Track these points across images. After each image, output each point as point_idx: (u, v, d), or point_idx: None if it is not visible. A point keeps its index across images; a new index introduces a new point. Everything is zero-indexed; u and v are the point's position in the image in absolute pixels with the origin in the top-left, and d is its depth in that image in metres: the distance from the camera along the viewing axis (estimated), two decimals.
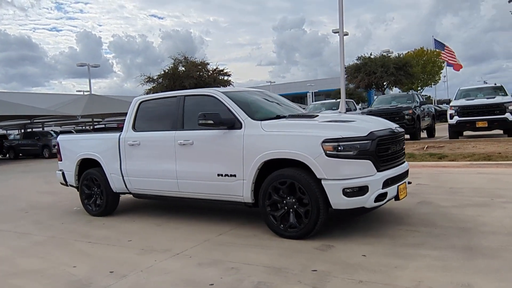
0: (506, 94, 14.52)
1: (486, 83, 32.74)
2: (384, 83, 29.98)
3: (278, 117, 5.17)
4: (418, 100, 16.45)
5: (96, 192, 6.51)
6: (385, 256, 3.88)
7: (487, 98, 13.92)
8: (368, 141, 4.38)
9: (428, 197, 6.25)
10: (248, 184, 4.86)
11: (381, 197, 4.43)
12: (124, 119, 6.41)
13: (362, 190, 4.32)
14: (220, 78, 20.28)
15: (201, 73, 19.57)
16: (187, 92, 5.78)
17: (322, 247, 4.26)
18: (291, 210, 4.61)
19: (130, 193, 6.24)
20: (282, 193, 4.65)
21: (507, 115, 13.22)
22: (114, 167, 6.19)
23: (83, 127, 34.52)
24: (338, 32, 26.67)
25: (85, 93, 35.84)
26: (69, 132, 27.58)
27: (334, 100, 21.27)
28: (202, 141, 5.28)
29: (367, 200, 4.34)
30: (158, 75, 19.74)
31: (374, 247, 4.17)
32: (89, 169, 6.61)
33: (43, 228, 6.03)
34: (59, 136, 7.22)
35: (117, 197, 6.52)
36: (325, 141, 4.33)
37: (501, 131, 14.63)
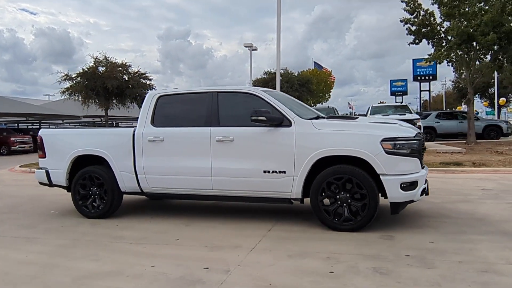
0: (411, 112, 16.76)
1: (350, 103, 36.91)
2: None
3: (318, 117, 5.42)
4: (337, 114, 17.97)
5: (95, 192, 5.91)
6: (449, 242, 4.39)
7: (400, 114, 15.90)
8: (416, 141, 4.90)
9: None
10: (299, 180, 5.00)
11: (423, 191, 4.99)
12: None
13: (413, 185, 4.81)
14: (142, 81, 19.43)
15: (122, 75, 18.56)
16: (220, 88, 5.66)
17: (385, 237, 4.62)
18: (344, 204, 4.89)
19: (141, 192, 5.82)
20: (334, 189, 4.91)
21: None
22: (126, 165, 5.72)
23: None
24: (249, 46, 27.68)
25: None
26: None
27: None
28: (245, 138, 5.25)
29: (415, 194, 4.85)
30: (77, 74, 18.07)
31: (428, 235, 4.66)
32: (86, 167, 5.98)
33: (44, 231, 5.28)
34: (42, 130, 6.34)
35: (121, 198, 6.01)
36: (384, 140, 4.73)
37: None
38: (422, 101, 68.44)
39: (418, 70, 58.65)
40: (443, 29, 19.66)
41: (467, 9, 18.60)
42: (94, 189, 5.92)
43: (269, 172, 5.12)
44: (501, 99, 40.22)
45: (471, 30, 17.51)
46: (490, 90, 42.39)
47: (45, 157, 6.22)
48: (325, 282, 3.36)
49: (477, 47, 19.19)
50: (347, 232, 4.79)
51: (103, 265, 3.94)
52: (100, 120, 33.79)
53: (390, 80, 72.01)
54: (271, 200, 5.31)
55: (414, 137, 4.91)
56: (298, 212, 5.96)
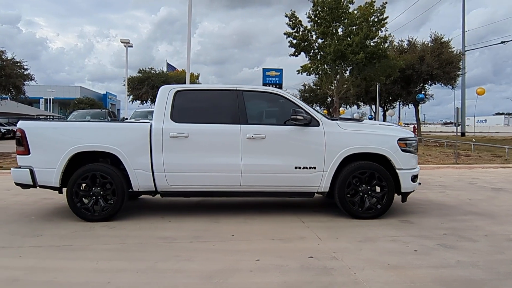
0: None
1: None
2: None
3: (336, 119, 6.00)
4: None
5: (99, 192, 5.30)
6: (454, 222, 5.43)
7: None
8: (416, 141, 5.89)
9: None
10: (329, 175, 5.48)
11: (419, 182, 6.01)
12: None
13: (416, 177, 5.77)
14: (19, 71, 16.46)
15: None
16: (243, 87, 5.71)
17: (405, 222, 5.44)
18: (365, 195, 5.56)
19: (155, 191, 5.48)
20: (356, 182, 5.55)
21: None
22: (141, 162, 5.32)
23: None
24: (125, 42, 26.36)
25: None
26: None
27: (98, 110, 22.49)
28: (276, 136, 5.47)
29: (416, 185, 5.82)
30: None
31: (432, 218, 5.64)
32: (82, 165, 5.32)
33: (65, 238, 4.54)
34: (23, 122, 5.32)
35: (128, 198, 5.52)
36: (399, 139, 5.58)
37: None
38: None
39: (267, 79, 63.49)
40: (317, 45, 22.18)
41: (335, 30, 21.39)
42: (97, 190, 5.31)
43: (300, 168, 5.46)
44: (341, 109, 46.73)
45: (344, 49, 20.21)
46: (328, 99, 48.67)
47: (28, 153, 5.28)
48: (426, 259, 3.94)
49: (344, 64, 22.24)
50: (370, 220, 5.46)
51: (206, 264, 3.75)
52: None
53: None
54: (298, 194, 5.66)
55: (414, 138, 5.88)
56: (304, 204, 6.40)
